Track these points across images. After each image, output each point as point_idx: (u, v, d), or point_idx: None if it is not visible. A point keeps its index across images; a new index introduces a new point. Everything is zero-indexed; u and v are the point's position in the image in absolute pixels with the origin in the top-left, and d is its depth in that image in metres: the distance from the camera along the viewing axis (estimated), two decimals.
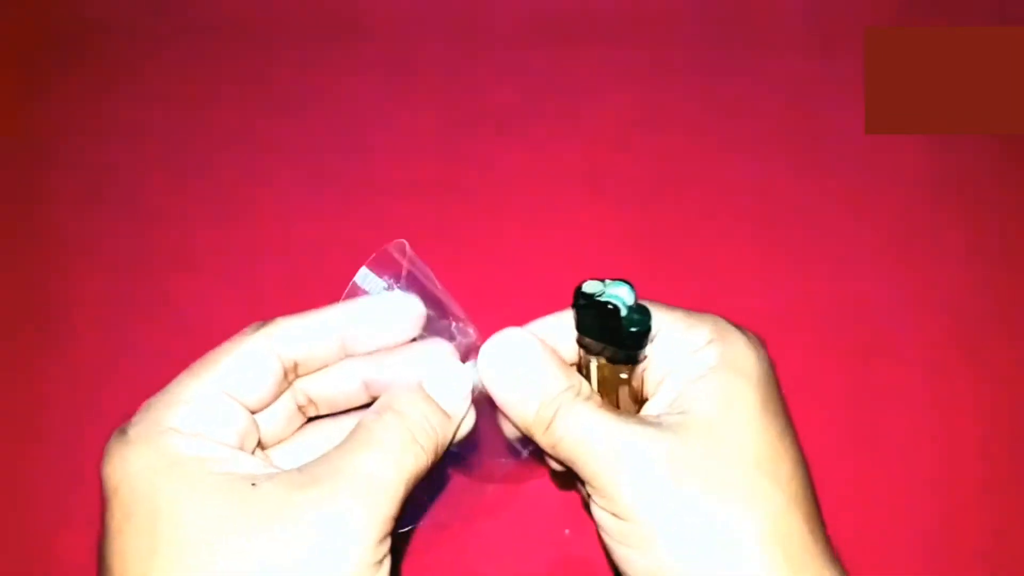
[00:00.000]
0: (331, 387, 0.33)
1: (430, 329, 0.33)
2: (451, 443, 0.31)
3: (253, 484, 0.27)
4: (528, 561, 0.41)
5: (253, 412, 0.31)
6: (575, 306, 0.30)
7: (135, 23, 0.60)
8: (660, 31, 0.59)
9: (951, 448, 0.45)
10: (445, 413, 0.30)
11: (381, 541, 0.27)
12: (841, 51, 0.58)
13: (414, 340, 0.33)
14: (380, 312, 0.32)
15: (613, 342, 0.30)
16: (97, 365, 0.48)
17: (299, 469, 0.28)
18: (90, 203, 0.53)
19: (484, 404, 0.33)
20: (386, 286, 0.32)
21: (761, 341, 0.32)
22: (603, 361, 0.31)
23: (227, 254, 0.51)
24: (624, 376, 0.31)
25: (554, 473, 0.39)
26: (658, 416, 0.30)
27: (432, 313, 0.33)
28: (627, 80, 0.57)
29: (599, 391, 0.32)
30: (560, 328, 0.32)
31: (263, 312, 0.48)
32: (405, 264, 0.32)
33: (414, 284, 0.33)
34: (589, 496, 0.30)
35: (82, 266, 0.51)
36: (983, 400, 0.46)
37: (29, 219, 0.53)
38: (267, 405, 0.31)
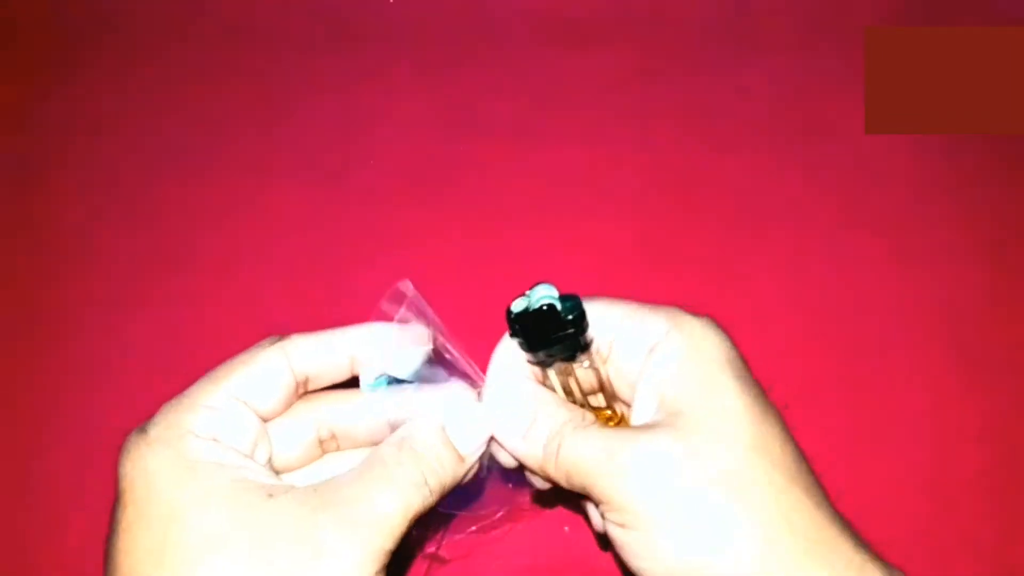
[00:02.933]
0: (357, 423, 0.33)
1: (448, 371, 0.34)
2: (459, 483, 0.32)
3: (270, 495, 0.27)
4: (529, 557, 0.41)
5: (265, 420, 0.32)
6: (515, 328, 0.30)
7: (136, 23, 0.60)
8: (660, 31, 0.59)
9: (949, 448, 0.45)
10: (459, 456, 0.31)
11: (377, 573, 0.27)
12: (841, 51, 0.58)
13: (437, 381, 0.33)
14: (389, 336, 0.32)
15: (560, 340, 0.30)
16: (98, 365, 0.48)
17: (314, 488, 0.28)
18: (90, 203, 0.53)
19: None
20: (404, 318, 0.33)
21: (714, 320, 0.32)
22: (561, 367, 0.32)
23: (227, 254, 0.51)
24: (585, 370, 0.32)
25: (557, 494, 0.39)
26: (650, 423, 0.30)
27: (448, 355, 0.34)
28: (627, 80, 0.57)
29: (570, 401, 0.33)
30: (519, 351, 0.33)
31: (263, 312, 0.49)
32: (408, 305, 0.33)
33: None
34: (604, 515, 0.30)
35: (82, 266, 0.51)
36: (980, 400, 0.46)
37: (29, 219, 0.53)
38: (278, 415, 0.32)
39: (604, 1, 0.61)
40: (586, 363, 0.32)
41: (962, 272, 0.50)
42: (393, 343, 0.32)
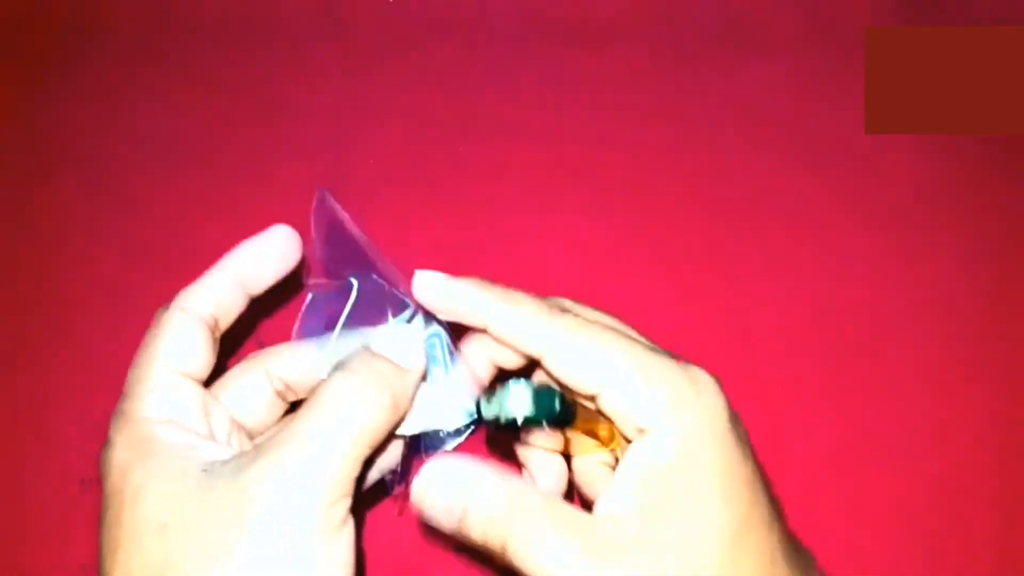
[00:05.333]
0: (299, 370, 0.33)
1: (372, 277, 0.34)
2: (413, 396, 0.31)
3: (204, 470, 0.26)
4: None
5: (204, 384, 0.31)
6: (513, 424, 0.29)
7: (136, 23, 0.60)
8: (659, 31, 0.59)
9: (948, 449, 0.45)
10: (397, 366, 0.30)
11: (334, 503, 0.26)
12: (841, 51, 0.58)
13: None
14: (262, 245, 0.34)
15: (554, 411, 0.29)
16: (97, 364, 0.48)
17: (253, 447, 0.28)
18: (90, 203, 0.53)
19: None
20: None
21: (719, 390, 0.30)
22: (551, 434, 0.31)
23: (225, 253, 0.51)
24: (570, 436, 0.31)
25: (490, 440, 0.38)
26: (618, 514, 0.28)
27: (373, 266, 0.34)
28: (626, 79, 0.57)
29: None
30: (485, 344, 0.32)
31: (260, 312, 0.49)
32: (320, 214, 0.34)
33: (341, 234, 0.34)
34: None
35: (83, 265, 0.51)
36: (980, 401, 0.46)
37: (29, 219, 0.53)
38: (210, 366, 0.32)
39: (602, 1, 0.60)
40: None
41: (962, 272, 0.50)
42: (266, 249, 0.34)
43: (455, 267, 0.50)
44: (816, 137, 0.55)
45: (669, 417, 0.28)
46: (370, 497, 0.34)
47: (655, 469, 0.27)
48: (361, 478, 0.28)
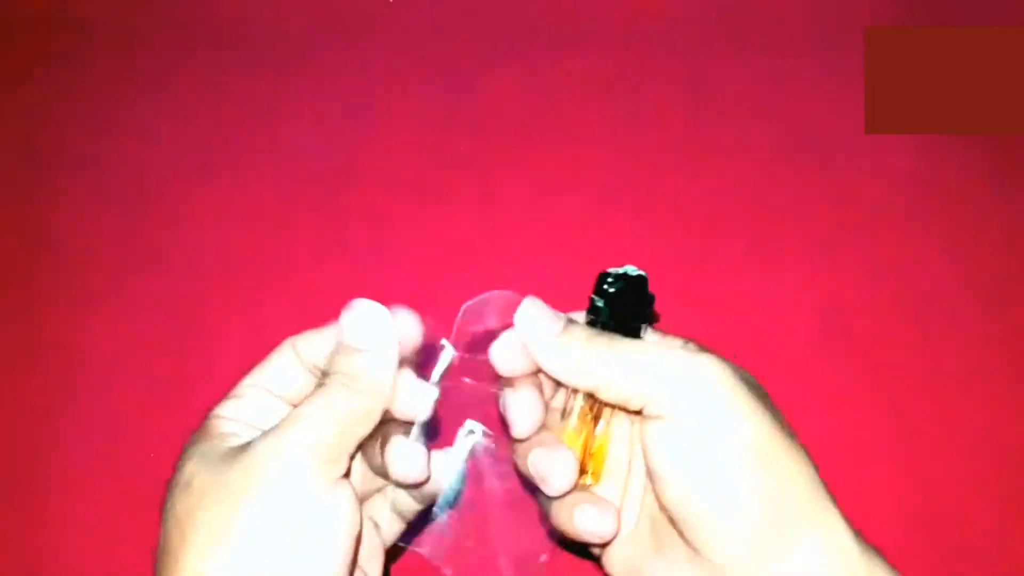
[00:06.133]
0: (323, 354, 0.35)
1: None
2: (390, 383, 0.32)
3: (231, 446, 0.30)
4: None
5: (294, 405, 0.33)
6: (607, 288, 0.33)
7: (136, 24, 0.60)
8: (660, 30, 0.59)
9: (948, 449, 0.45)
10: (356, 348, 0.31)
11: (324, 464, 0.29)
12: (841, 51, 0.58)
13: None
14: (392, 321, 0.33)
15: (640, 310, 0.34)
16: (98, 364, 0.48)
17: (265, 432, 0.30)
18: (90, 203, 0.53)
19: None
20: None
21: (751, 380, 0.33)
22: (591, 402, 0.33)
23: (226, 252, 0.51)
24: (604, 420, 0.33)
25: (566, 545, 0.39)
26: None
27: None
28: (625, 80, 0.57)
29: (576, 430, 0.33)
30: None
31: (262, 310, 0.49)
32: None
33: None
34: (645, 422, 0.31)
35: (83, 266, 0.51)
36: (980, 401, 0.46)
37: (30, 219, 0.53)
38: (300, 397, 0.33)
39: (603, 1, 0.61)
40: (604, 418, 0.33)
41: (963, 272, 0.50)
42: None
43: (455, 266, 0.51)
44: (816, 137, 0.55)
45: (707, 425, 0.30)
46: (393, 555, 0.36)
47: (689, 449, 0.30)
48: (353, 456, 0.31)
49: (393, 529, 0.36)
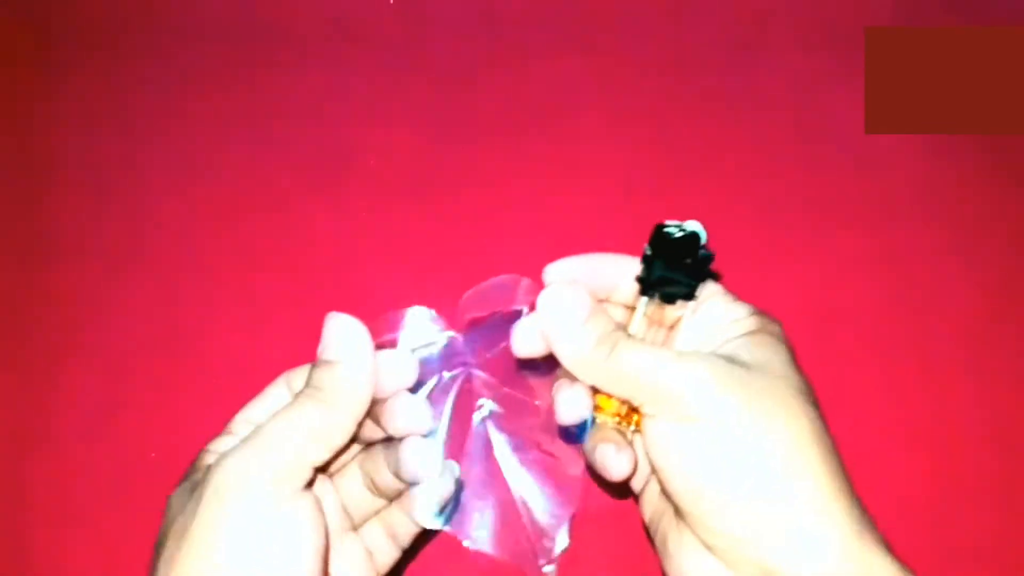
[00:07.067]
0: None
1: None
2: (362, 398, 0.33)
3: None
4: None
5: None
6: (662, 240, 0.34)
7: (136, 24, 0.60)
8: (659, 31, 0.59)
9: (948, 448, 0.45)
10: (327, 361, 0.32)
11: (282, 477, 0.29)
12: (841, 51, 0.58)
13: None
14: (386, 364, 0.34)
15: (694, 266, 0.34)
16: (97, 364, 0.48)
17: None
18: (90, 203, 0.53)
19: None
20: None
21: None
22: (654, 307, 0.34)
23: (225, 253, 0.51)
24: (673, 316, 0.35)
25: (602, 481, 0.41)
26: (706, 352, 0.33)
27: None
28: (626, 80, 0.57)
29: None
30: (586, 270, 0.36)
31: (260, 310, 0.49)
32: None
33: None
34: (646, 414, 0.31)
35: (83, 265, 0.51)
36: (980, 401, 0.46)
37: (30, 219, 0.53)
38: None
39: (603, 2, 0.61)
40: (682, 311, 0.34)
41: (963, 272, 0.50)
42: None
43: (454, 266, 0.51)
44: (816, 137, 0.55)
45: (756, 315, 0.34)
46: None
47: (739, 332, 0.33)
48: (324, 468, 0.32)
49: (388, 557, 0.36)
